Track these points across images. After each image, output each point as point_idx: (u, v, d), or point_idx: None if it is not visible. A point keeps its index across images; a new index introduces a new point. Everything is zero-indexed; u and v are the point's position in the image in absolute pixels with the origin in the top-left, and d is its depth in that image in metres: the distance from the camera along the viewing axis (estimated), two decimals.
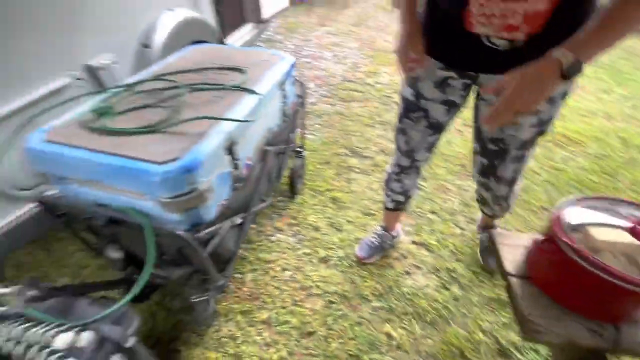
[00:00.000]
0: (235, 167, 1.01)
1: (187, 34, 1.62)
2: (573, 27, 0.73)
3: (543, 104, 0.89)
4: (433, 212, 1.75)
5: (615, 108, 2.74)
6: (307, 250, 1.55)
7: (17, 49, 0.97)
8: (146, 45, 1.40)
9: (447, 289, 1.40)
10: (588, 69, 0.74)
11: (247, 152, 1.09)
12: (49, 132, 0.88)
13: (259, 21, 2.48)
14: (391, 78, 3.10)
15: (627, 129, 2.47)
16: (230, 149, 0.96)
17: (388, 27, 4.36)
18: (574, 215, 0.80)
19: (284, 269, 1.47)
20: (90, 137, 0.87)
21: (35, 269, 1.43)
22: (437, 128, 1.12)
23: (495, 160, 1.07)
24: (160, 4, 1.50)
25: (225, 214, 1.01)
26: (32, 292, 0.72)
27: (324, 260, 1.51)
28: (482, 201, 1.32)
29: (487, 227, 1.53)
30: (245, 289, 1.39)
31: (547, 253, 0.83)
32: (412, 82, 1.05)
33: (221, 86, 1.07)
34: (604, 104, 2.79)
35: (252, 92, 1.07)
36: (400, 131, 1.17)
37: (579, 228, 0.77)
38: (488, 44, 0.83)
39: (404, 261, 1.51)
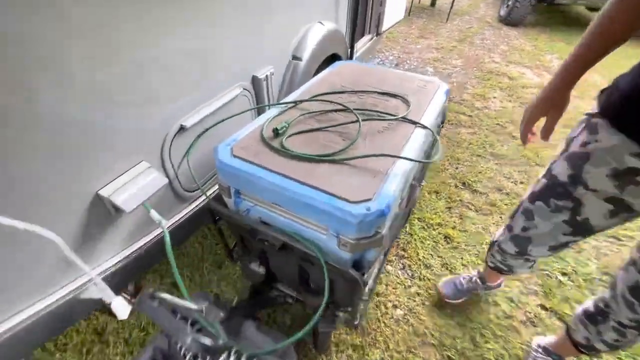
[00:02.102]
0: (400, 205, 0.95)
1: (328, 46, 1.61)
2: None
3: None
4: (564, 274, 1.53)
5: None
6: (419, 290, 1.44)
7: (209, 60, 1.01)
8: (297, 58, 1.41)
9: None
10: None
11: (406, 188, 1.02)
12: (234, 147, 0.89)
13: (378, 34, 2.43)
14: (502, 105, 2.85)
15: None
16: (405, 190, 0.89)
17: (496, 47, 4.04)
18: None
19: (395, 306, 1.38)
20: (274, 158, 0.85)
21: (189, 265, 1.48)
22: (582, 231, 0.81)
23: None
24: (315, 18, 1.51)
25: (381, 252, 0.96)
26: (219, 313, 0.72)
27: (438, 305, 1.40)
28: (598, 315, 0.91)
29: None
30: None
31: None
32: (575, 157, 0.76)
33: (393, 117, 1.01)
34: None
35: (425, 127, 1.00)
36: (525, 212, 0.91)
37: None
38: None
39: (533, 329, 1.33)
